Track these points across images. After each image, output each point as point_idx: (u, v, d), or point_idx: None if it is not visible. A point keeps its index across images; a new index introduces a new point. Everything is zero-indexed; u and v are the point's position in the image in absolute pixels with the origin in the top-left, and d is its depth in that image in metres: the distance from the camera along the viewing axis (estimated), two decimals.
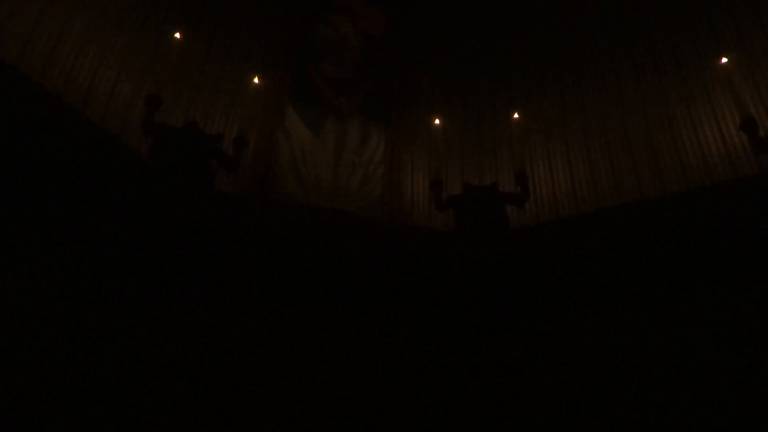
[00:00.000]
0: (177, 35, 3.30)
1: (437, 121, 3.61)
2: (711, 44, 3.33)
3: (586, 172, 3.43)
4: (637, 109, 3.46)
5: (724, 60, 3.15)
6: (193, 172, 3.02)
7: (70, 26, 2.96)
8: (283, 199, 3.31)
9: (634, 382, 2.59)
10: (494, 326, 3.00)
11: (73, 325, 2.41)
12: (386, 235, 3.19)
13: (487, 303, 3.05)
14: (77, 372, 2.34)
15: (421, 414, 2.74)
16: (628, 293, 2.78)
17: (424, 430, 2.69)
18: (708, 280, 2.63)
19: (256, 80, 3.48)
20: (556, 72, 3.81)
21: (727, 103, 3.14)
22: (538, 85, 3.82)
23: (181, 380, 2.51)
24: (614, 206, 3.16)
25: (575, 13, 3.91)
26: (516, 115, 3.54)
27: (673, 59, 3.48)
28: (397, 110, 3.84)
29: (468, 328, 3.02)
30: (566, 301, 2.91)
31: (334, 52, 3.82)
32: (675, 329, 2.62)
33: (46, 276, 2.45)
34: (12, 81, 2.49)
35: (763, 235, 2.55)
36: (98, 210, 2.65)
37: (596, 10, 3.85)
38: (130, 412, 2.36)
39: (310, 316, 2.91)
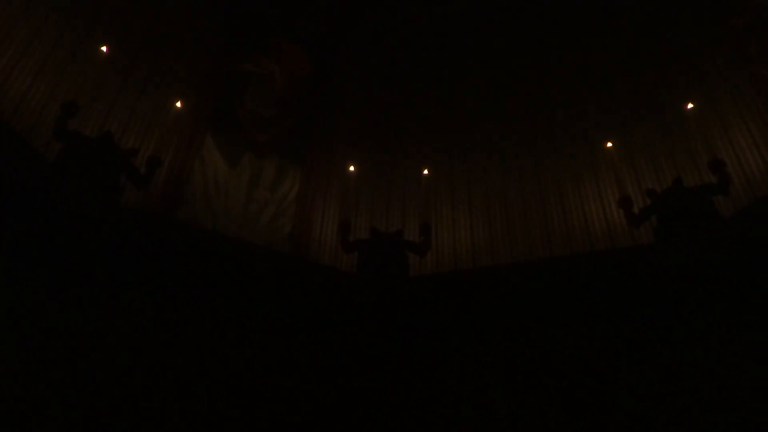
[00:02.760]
0: (103, 48, 3.30)
1: (352, 168, 3.77)
2: (598, 129, 3.77)
3: (485, 231, 3.69)
4: (533, 181, 3.81)
5: (609, 144, 3.60)
6: (100, 182, 2.95)
7: None
8: (190, 222, 3.28)
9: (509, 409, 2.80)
10: (381, 358, 3.11)
11: None
12: (292, 269, 3.22)
13: (378, 339, 3.15)
14: None
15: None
16: (516, 338, 2.99)
17: None
18: (584, 332, 2.89)
19: (178, 104, 3.50)
20: (465, 136, 4.13)
21: (609, 182, 3.56)
22: (448, 147, 4.11)
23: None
24: (508, 263, 3.42)
25: (489, 84, 4.29)
26: (426, 171, 3.79)
27: (566, 140, 3.89)
28: (315, 153, 3.96)
29: (358, 359, 3.09)
30: (452, 344, 3.08)
31: (258, 89, 3.91)
32: (554, 373, 2.85)
33: None
34: None
35: (635, 297, 2.86)
36: None
37: (506, 83, 4.25)
38: None
39: (204, 339, 2.85)
